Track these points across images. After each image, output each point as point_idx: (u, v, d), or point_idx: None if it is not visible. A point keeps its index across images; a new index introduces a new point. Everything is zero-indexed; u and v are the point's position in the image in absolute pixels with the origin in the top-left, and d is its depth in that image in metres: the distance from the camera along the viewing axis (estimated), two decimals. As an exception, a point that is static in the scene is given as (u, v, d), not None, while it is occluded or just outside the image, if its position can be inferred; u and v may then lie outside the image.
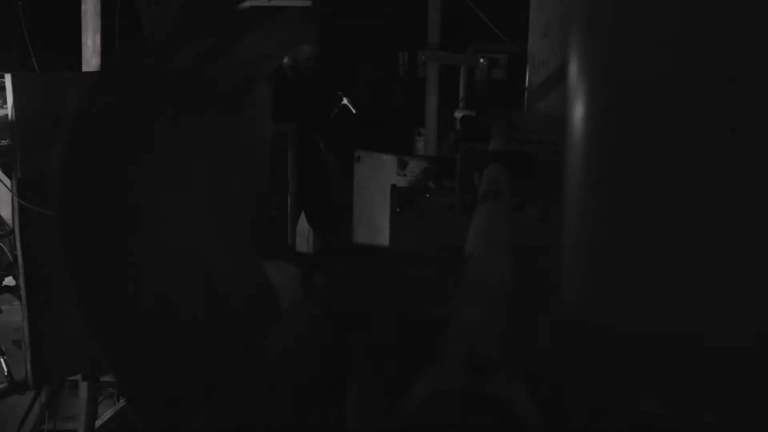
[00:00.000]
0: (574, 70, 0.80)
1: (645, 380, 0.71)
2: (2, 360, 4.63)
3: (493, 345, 0.66)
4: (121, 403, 5.09)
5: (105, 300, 0.89)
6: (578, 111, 0.79)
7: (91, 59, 4.89)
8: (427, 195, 2.33)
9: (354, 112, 7.89)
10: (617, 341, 0.73)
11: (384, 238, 2.74)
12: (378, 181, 2.92)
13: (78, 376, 4.74)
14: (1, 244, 4.36)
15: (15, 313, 4.68)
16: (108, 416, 5.05)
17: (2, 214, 4.31)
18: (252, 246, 1.34)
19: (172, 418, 0.90)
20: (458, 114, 6.23)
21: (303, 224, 8.11)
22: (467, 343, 0.65)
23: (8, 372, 4.56)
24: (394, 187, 2.43)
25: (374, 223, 2.94)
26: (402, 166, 2.85)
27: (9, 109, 4.04)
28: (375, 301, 0.98)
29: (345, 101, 7.89)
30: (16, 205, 4.07)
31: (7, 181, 4.09)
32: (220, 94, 1.14)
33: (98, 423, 4.84)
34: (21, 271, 4.13)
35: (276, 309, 1.33)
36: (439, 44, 5.60)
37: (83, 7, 4.83)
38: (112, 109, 0.85)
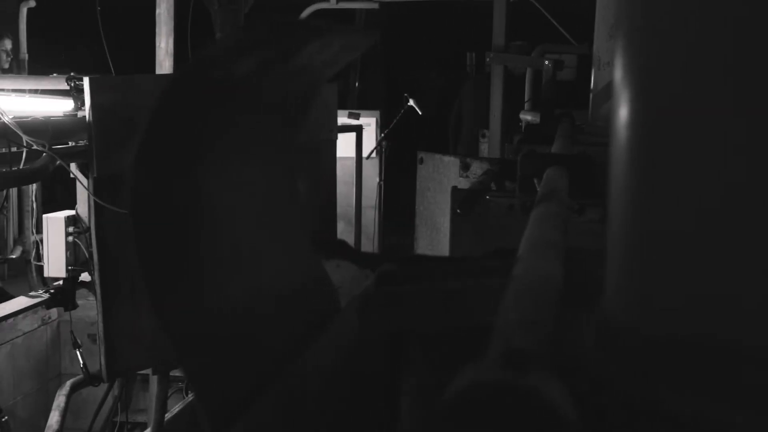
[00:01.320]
0: (619, 73, 0.81)
1: (683, 384, 0.72)
2: (78, 353, 4.80)
3: (533, 342, 0.68)
4: (190, 397, 5.22)
5: (174, 297, 0.94)
6: (622, 115, 0.80)
7: (164, 61, 5.03)
8: (487, 197, 2.35)
9: (420, 113, 7.94)
10: (656, 345, 0.74)
11: (445, 239, 2.76)
12: (440, 183, 2.94)
13: (149, 371, 4.88)
14: (78, 241, 4.52)
15: (91, 308, 4.85)
16: (177, 410, 5.18)
17: (80, 212, 4.46)
18: (311, 245, 1.38)
19: (234, 410, 0.94)
20: (523, 116, 6.20)
21: (368, 225, 8.16)
22: (507, 338, 0.67)
23: (84, 364, 4.74)
24: (454, 188, 2.45)
25: (436, 224, 2.97)
26: (464, 167, 2.87)
27: (86, 110, 4.18)
28: (431, 322, 1.01)
29: (411, 102, 7.94)
30: (92, 203, 4.22)
31: (85, 181, 4.23)
32: (282, 99, 1.19)
33: (168, 416, 4.97)
34: (96, 267, 4.28)
35: (335, 306, 1.36)
36: (504, 46, 5.59)
37: (157, 11, 4.97)
38: (182, 112, 0.90)
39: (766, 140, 0.69)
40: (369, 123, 8.44)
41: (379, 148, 8.24)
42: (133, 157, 0.84)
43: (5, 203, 7.02)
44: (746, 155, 0.70)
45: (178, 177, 0.93)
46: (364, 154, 7.36)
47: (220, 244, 1.05)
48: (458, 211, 2.30)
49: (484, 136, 6.05)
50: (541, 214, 1.39)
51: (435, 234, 2.95)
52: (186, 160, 0.94)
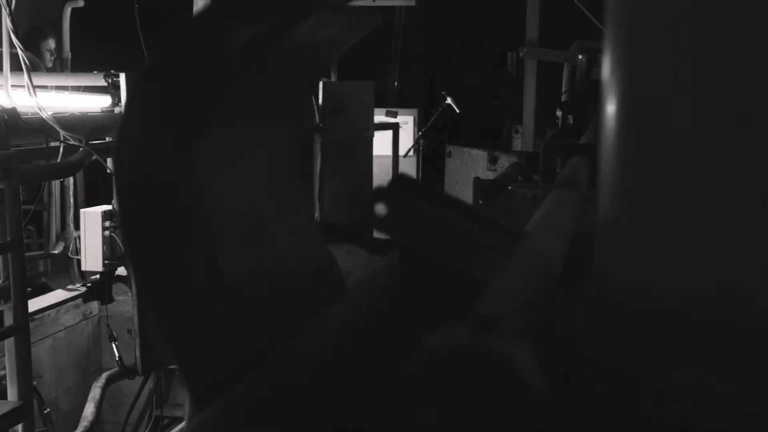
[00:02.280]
0: (607, 66, 0.81)
1: (666, 354, 0.70)
2: (114, 345, 4.88)
3: (511, 311, 0.67)
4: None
5: (163, 273, 0.93)
6: (609, 107, 0.80)
7: (200, 59, 5.08)
8: (510, 187, 2.32)
9: (458, 111, 7.92)
10: (641, 317, 0.73)
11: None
12: (468, 176, 2.93)
13: (183, 364, 4.91)
14: (115, 236, 4.58)
15: (129, 302, 4.92)
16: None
17: (116, 207, 4.52)
18: (320, 229, 1.38)
19: (221, 385, 0.94)
20: (560, 112, 6.14)
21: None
22: (484, 305, 0.66)
23: (119, 357, 4.80)
24: (477, 179, 2.43)
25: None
26: (492, 161, 2.85)
27: (123, 106, 4.24)
28: (433, 249, 0.99)
29: (449, 101, 7.92)
30: (127, 198, 4.26)
31: (120, 176, 4.27)
32: (283, 78, 1.18)
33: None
34: (131, 261, 4.32)
35: (341, 291, 1.35)
36: (538, 41, 5.54)
37: (194, 8, 5.02)
38: (170, 83, 0.89)
39: (752, 135, 0.68)
40: (406, 121, 8.43)
41: (416, 146, 8.23)
42: (116, 133, 0.84)
43: (48, 199, 7.14)
44: (716, 142, 0.69)
45: (168, 153, 0.92)
46: (401, 152, 7.35)
47: (217, 222, 1.04)
48: (480, 201, 2.28)
49: (517, 131, 6.00)
50: (554, 199, 1.37)
51: (462, 227, 2.92)
52: (176, 135, 0.93)
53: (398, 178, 1.02)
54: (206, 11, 0.89)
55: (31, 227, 7.43)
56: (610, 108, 0.80)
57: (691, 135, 0.71)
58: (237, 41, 0.93)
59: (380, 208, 0.98)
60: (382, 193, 1.01)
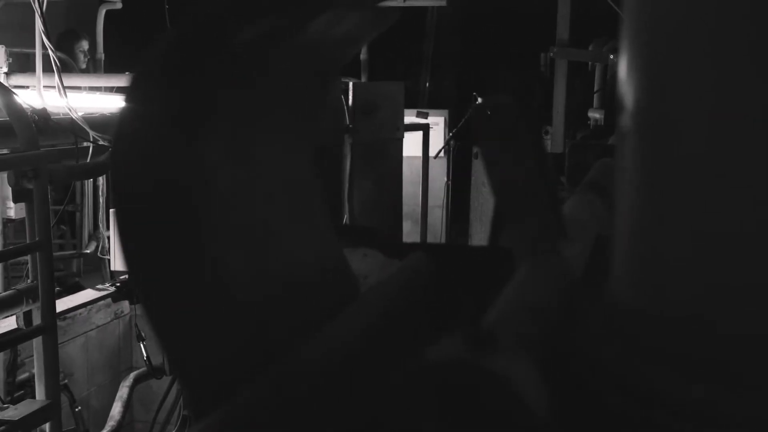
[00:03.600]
0: (623, 71, 0.77)
1: (687, 366, 0.66)
2: (142, 345, 4.89)
3: (519, 322, 0.63)
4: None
5: (164, 280, 0.90)
6: (628, 108, 0.76)
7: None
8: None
9: (489, 112, 7.85)
10: (659, 327, 0.69)
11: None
12: (495, 178, 2.87)
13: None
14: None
15: (159, 302, 4.92)
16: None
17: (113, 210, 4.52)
18: (335, 232, 1.34)
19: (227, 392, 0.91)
20: (592, 114, 6.04)
21: (435, 224, 8.11)
22: (488, 318, 0.62)
23: (147, 357, 4.82)
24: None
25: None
26: (520, 162, 2.79)
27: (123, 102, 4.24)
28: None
29: (480, 101, 7.85)
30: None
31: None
32: (297, 75, 1.15)
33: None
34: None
35: (354, 295, 1.32)
36: (568, 40, 5.46)
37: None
38: (176, 79, 0.86)
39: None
40: (437, 122, 8.38)
41: (447, 147, 8.17)
42: (114, 132, 0.81)
43: (80, 200, 7.21)
44: (743, 150, 0.65)
45: (172, 153, 0.89)
46: (432, 153, 7.30)
47: (223, 226, 1.01)
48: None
49: (546, 132, 5.92)
50: (576, 201, 1.33)
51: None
52: (183, 134, 0.90)
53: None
54: (217, 5, 0.86)
55: (64, 227, 7.51)
56: (627, 110, 0.76)
57: (709, 138, 0.67)
58: (249, 37, 0.90)
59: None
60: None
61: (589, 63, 6.19)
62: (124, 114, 0.82)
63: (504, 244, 0.97)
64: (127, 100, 0.84)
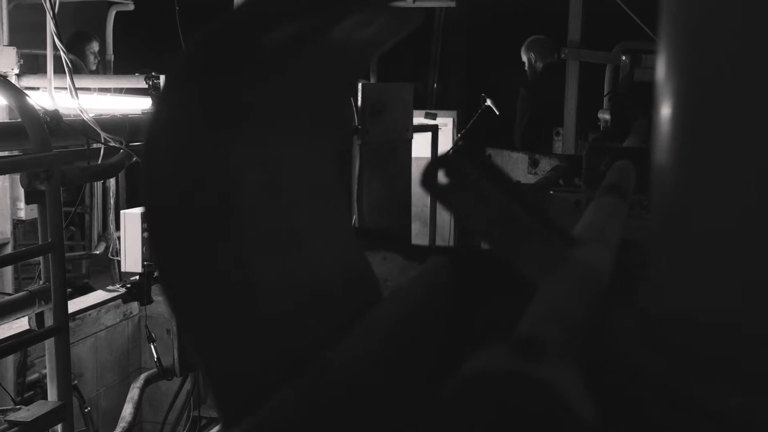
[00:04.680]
0: (662, 66, 0.76)
1: (732, 377, 0.65)
2: (152, 347, 4.90)
3: (556, 331, 0.62)
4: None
5: (191, 280, 0.90)
6: (665, 111, 0.75)
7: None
8: (551, 192, 2.26)
9: (497, 113, 7.83)
10: (702, 335, 0.68)
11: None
12: (508, 180, 2.86)
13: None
14: (154, 237, 4.59)
15: (169, 303, 4.92)
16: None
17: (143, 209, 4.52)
18: (355, 235, 1.34)
19: (254, 398, 0.90)
20: (602, 115, 6.04)
21: (444, 226, 8.10)
22: (528, 325, 0.62)
23: (158, 358, 4.82)
24: (516, 183, 2.37)
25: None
26: (533, 164, 2.78)
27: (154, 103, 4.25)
28: (485, 235, 0.93)
29: (488, 102, 7.84)
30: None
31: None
32: (321, 78, 1.14)
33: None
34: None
35: (377, 299, 1.31)
36: (579, 41, 5.44)
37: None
38: (205, 80, 0.85)
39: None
40: (446, 123, 8.37)
41: (455, 148, 8.15)
42: (145, 136, 0.81)
43: (90, 201, 7.23)
44: None
45: (197, 156, 0.89)
46: (440, 154, 7.28)
47: (250, 227, 1.00)
48: (521, 206, 2.21)
49: (558, 134, 5.92)
50: (599, 205, 1.32)
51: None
52: (209, 137, 0.90)
53: (462, 147, 0.97)
54: (245, 7, 0.85)
55: (73, 228, 7.52)
56: (666, 111, 0.75)
57: (755, 137, 0.66)
58: (276, 39, 0.89)
59: (441, 177, 0.91)
60: (444, 161, 0.95)
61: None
62: (154, 117, 0.82)
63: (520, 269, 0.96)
64: (157, 104, 0.84)
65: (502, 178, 0.95)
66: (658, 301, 0.74)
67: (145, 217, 0.83)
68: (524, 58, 7.18)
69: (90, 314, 5.39)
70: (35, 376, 4.71)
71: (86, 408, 4.86)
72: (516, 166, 2.78)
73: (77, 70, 6.05)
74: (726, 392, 0.65)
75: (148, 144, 0.80)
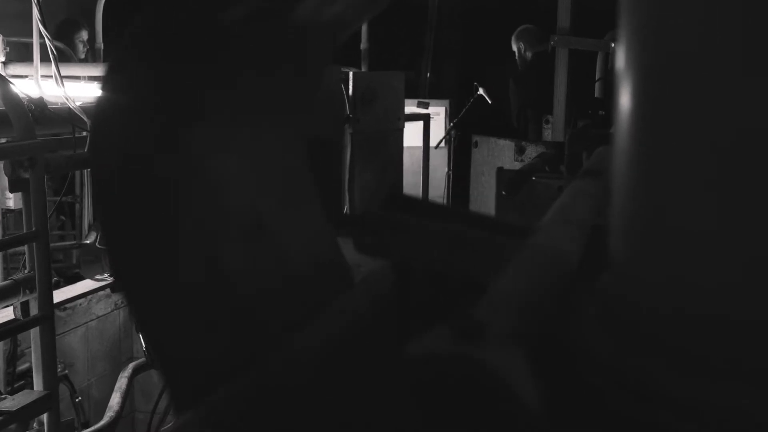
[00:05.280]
0: (621, 50, 0.74)
1: (697, 365, 0.63)
2: (141, 335, 4.87)
3: (506, 314, 0.60)
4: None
5: (148, 275, 0.88)
6: (624, 90, 0.73)
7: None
8: (534, 178, 2.24)
9: (490, 102, 7.81)
10: (666, 323, 0.66)
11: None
12: (494, 167, 2.84)
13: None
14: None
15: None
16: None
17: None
18: (327, 221, 1.32)
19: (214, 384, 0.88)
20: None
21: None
22: (479, 308, 0.60)
23: (146, 347, 4.80)
24: (500, 169, 2.35)
25: (490, 209, 2.87)
26: (519, 151, 2.76)
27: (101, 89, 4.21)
28: (425, 258, 0.93)
29: (481, 91, 7.82)
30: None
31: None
32: (286, 60, 1.12)
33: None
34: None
35: (348, 286, 1.29)
36: (569, 29, 5.40)
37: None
38: (156, 63, 0.83)
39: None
40: (438, 112, 8.34)
41: (447, 137, 8.13)
42: (91, 123, 0.78)
43: (80, 190, 7.19)
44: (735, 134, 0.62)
45: (149, 142, 0.86)
46: (432, 143, 7.27)
47: (214, 214, 0.98)
48: (503, 193, 2.20)
49: (548, 122, 5.89)
50: (574, 190, 1.30)
51: (488, 220, 2.84)
52: (161, 122, 0.87)
53: (389, 195, 0.97)
54: None
55: (63, 217, 7.49)
56: (624, 92, 0.73)
57: (709, 121, 0.64)
58: (234, 18, 0.87)
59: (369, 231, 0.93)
60: (370, 216, 0.96)
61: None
62: (100, 104, 0.80)
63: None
64: (103, 89, 0.81)
65: (430, 209, 0.95)
66: (619, 287, 0.72)
67: (94, 202, 0.81)
68: (514, 48, 7.15)
69: (81, 304, 5.36)
70: (26, 365, 4.69)
71: (77, 398, 4.84)
72: (503, 153, 2.77)
73: (66, 58, 6.01)
74: (690, 381, 0.63)
75: (93, 137, 0.78)
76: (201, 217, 0.97)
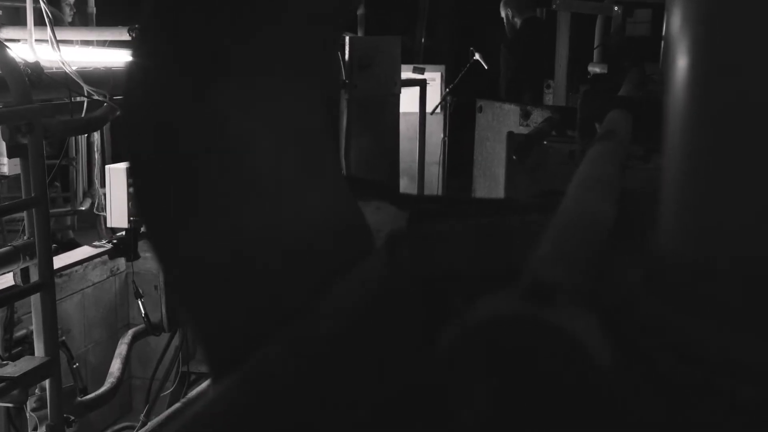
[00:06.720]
0: (676, 18, 0.72)
1: (750, 325, 0.62)
2: (140, 302, 4.87)
3: (565, 275, 0.59)
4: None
5: (177, 233, 0.86)
6: (680, 57, 0.70)
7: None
8: (545, 142, 2.22)
9: (486, 67, 7.75)
10: (720, 284, 0.65)
11: (502, 189, 2.65)
12: (499, 132, 2.82)
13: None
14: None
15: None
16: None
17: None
18: (347, 184, 1.30)
19: (241, 352, 0.87)
20: (592, 68, 5.98)
21: (432, 181, 8.06)
22: (536, 269, 0.58)
23: (145, 314, 4.80)
24: (510, 134, 2.33)
25: (494, 174, 2.85)
26: (525, 115, 2.74)
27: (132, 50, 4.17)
28: (468, 262, 0.91)
29: (477, 56, 7.76)
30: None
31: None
32: (306, 18, 1.10)
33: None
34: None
35: (370, 248, 1.28)
36: (571, -6, 5.38)
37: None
38: (178, 27, 0.81)
39: None
40: (434, 78, 8.29)
41: (443, 103, 8.09)
42: (123, 89, 0.77)
43: (75, 155, 7.14)
44: None
45: (177, 105, 0.85)
46: (428, 109, 7.23)
47: (235, 175, 0.97)
48: (514, 157, 2.18)
49: (548, 86, 5.85)
50: (597, 152, 1.28)
51: (493, 185, 2.83)
52: (188, 85, 0.85)
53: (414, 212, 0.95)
54: None
55: (57, 183, 7.44)
56: (681, 60, 0.70)
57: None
58: None
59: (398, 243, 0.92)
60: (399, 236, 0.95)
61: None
62: (130, 69, 0.78)
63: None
64: (133, 55, 0.80)
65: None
66: (672, 249, 0.71)
67: (129, 171, 0.80)
68: (502, 14, 7.08)
69: (77, 270, 5.35)
70: (23, 332, 4.68)
71: (74, 364, 4.84)
72: (507, 117, 2.74)
73: (57, 22, 5.92)
74: (743, 342, 0.62)
75: (126, 96, 0.77)
76: (225, 178, 0.95)
